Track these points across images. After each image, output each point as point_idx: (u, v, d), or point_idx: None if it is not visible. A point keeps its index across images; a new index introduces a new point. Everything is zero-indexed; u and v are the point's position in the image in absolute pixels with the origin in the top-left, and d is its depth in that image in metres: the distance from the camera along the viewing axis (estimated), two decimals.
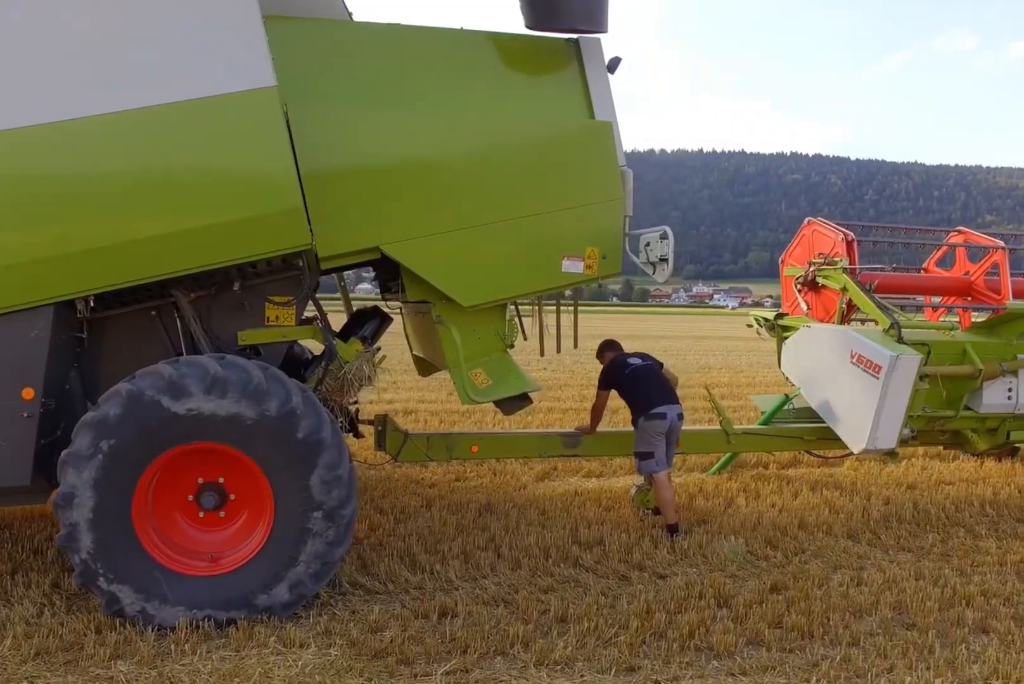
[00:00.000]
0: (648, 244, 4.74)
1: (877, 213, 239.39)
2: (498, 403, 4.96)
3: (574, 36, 4.73)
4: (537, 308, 5.33)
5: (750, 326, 7.30)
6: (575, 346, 5.54)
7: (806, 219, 6.72)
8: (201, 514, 3.86)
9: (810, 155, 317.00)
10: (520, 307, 5.38)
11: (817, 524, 5.44)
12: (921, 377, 5.45)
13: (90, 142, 3.60)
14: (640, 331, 33.11)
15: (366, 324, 5.14)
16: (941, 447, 7.11)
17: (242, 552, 3.79)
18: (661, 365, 5.59)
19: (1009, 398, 5.87)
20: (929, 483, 6.68)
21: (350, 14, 4.80)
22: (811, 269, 6.39)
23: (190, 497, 3.84)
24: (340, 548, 3.82)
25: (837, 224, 6.43)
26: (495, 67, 4.66)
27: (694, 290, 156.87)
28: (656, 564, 4.67)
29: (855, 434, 5.55)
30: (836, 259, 6.14)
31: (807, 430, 6.09)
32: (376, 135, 4.27)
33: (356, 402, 5.73)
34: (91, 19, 3.58)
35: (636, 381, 5.35)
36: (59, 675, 3.21)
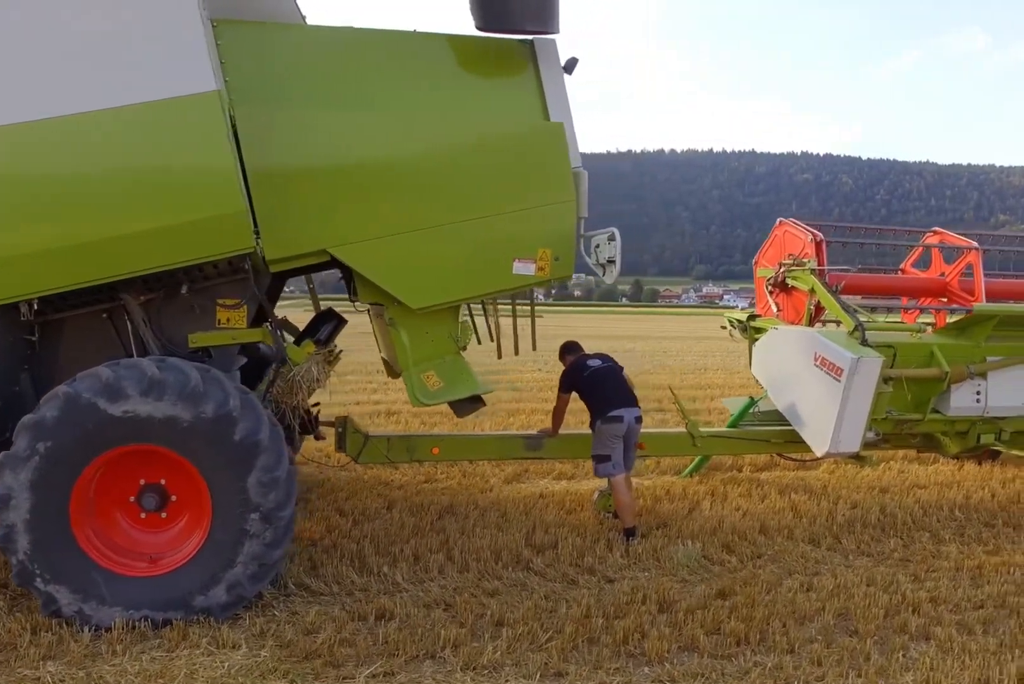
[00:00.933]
0: (598, 246, 4.73)
1: (889, 213, 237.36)
2: (451, 405, 4.97)
3: (529, 37, 4.72)
4: (493, 309, 5.34)
5: (724, 327, 7.27)
6: (533, 348, 5.56)
7: (778, 219, 6.68)
8: (143, 515, 3.89)
9: (821, 155, 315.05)
10: (477, 309, 5.42)
11: (779, 528, 5.41)
12: (885, 380, 5.40)
13: (30, 147, 3.65)
14: (643, 332, 33.02)
15: (322, 326, 5.16)
16: (916, 451, 7.02)
17: (181, 553, 3.82)
18: (621, 368, 5.57)
19: (977, 401, 5.80)
20: (902, 487, 6.62)
21: (304, 18, 4.82)
22: (781, 270, 6.34)
23: (132, 498, 3.87)
24: (278, 550, 3.84)
25: (808, 224, 6.38)
26: (446, 69, 4.66)
27: (704, 290, 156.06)
28: (607, 568, 4.66)
29: (818, 437, 5.50)
30: (804, 260, 6.10)
31: (774, 433, 6.05)
32: (322, 137, 4.28)
33: (317, 404, 5.75)
34: (31, 26, 3.61)
35: (595, 383, 5.34)
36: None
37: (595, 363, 5.47)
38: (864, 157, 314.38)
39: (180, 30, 3.75)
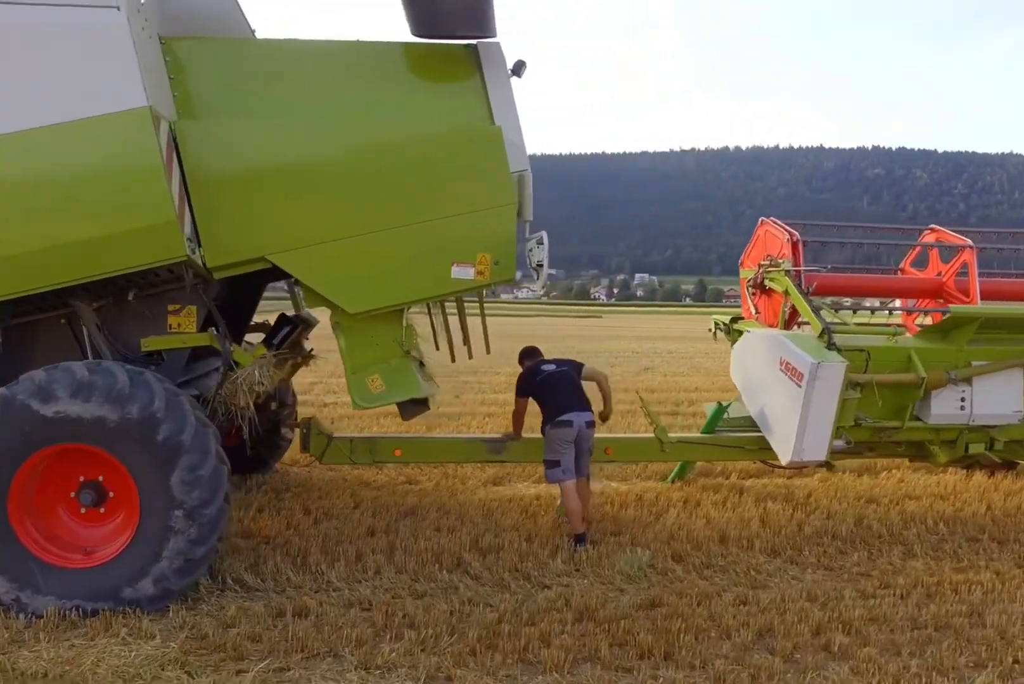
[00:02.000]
0: (530, 250, 4.72)
1: (968, 207, 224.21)
2: (398, 407, 5.06)
3: (473, 42, 4.75)
4: (441, 313, 5.40)
5: (710, 329, 7.10)
6: (487, 352, 5.60)
7: (760, 219, 6.48)
8: (83, 510, 4.12)
9: (893, 149, 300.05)
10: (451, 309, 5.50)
11: (740, 538, 5.27)
12: (852, 385, 5.19)
13: None
14: (697, 333, 32.35)
15: (280, 331, 5.32)
16: (907, 460, 6.69)
17: (113, 547, 4.03)
18: (579, 371, 5.52)
19: (962, 408, 5.50)
20: (893, 497, 6.33)
21: (253, 32, 4.99)
22: (759, 271, 6.17)
23: (72, 494, 4.11)
24: (203, 546, 4.00)
25: (788, 223, 6.18)
26: (387, 75, 4.75)
27: None
28: (545, 574, 4.65)
29: (783, 445, 5.34)
30: (780, 260, 5.91)
31: (748, 439, 5.89)
32: (257, 147, 4.43)
33: (285, 405, 5.93)
34: None
35: (547, 388, 5.33)
36: None
37: (549, 368, 5.45)
38: (940, 150, 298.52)
39: (111, 53, 3.94)
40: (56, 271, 4.04)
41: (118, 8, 3.96)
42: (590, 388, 5.52)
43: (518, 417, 5.59)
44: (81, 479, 4.10)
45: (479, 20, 4.53)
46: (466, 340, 5.68)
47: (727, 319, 6.72)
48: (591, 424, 5.26)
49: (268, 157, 4.42)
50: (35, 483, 4.00)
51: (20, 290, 4.06)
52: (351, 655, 3.59)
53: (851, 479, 6.88)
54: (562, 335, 27.56)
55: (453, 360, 5.55)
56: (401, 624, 3.90)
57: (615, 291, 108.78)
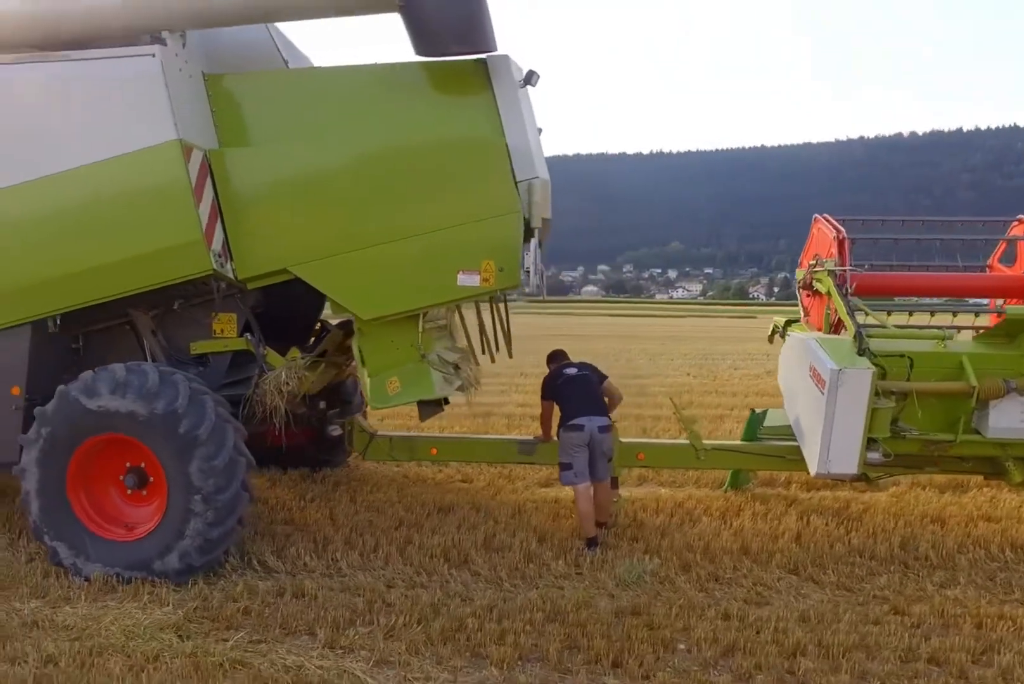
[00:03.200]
0: (524, 255, 4.81)
1: None
2: (418, 407, 5.36)
3: (482, 56, 4.93)
4: (490, 311, 5.63)
5: (769, 334, 6.76)
6: (509, 356, 5.74)
7: (814, 216, 6.10)
8: (129, 491, 4.77)
9: None
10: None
11: (761, 552, 5.05)
12: (885, 393, 4.81)
13: (36, 199, 4.65)
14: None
15: (320, 336, 5.78)
16: (983, 477, 5.99)
17: (148, 524, 4.62)
18: (601, 378, 5.52)
19: None
20: (966, 518, 5.73)
21: (286, 62, 5.47)
22: (808, 272, 5.82)
23: (121, 477, 4.76)
24: (219, 528, 4.49)
25: (841, 220, 5.78)
26: (401, 94, 5.02)
27: None
28: (542, 575, 4.74)
29: (811, 455, 5.03)
30: (825, 260, 5.56)
31: (787, 448, 5.58)
32: (280, 169, 4.87)
33: (347, 404, 6.36)
34: (32, 108, 4.63)
35: (564, 391, 5.38)
36: None
37: (570, 371, 5.51)
38: None
39: (147, 95, 4.53)
40: (102, 287, 4.71)
41: (153, 55, 4.56)
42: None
43: (545, 419, 5.69)
44: (127, 465, 4.74)
45: (474, 37, 4.70)
46: (508, 340, 5.87)
47: (783, 321, 6.38)
48: (605, 429, 5.26)
49: (289, 177, 4.86)
50: (89, 467, 4.68)
51: (73, 304, 4.76)
52: (323, 635, 3.90)
53: (929, 495, 6.30)
54: (697, 337, 26.72)
55: (493, 360, 5.76)
56: (378, 611, 4.17)
57: (775, 290, 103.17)
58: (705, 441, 5.80)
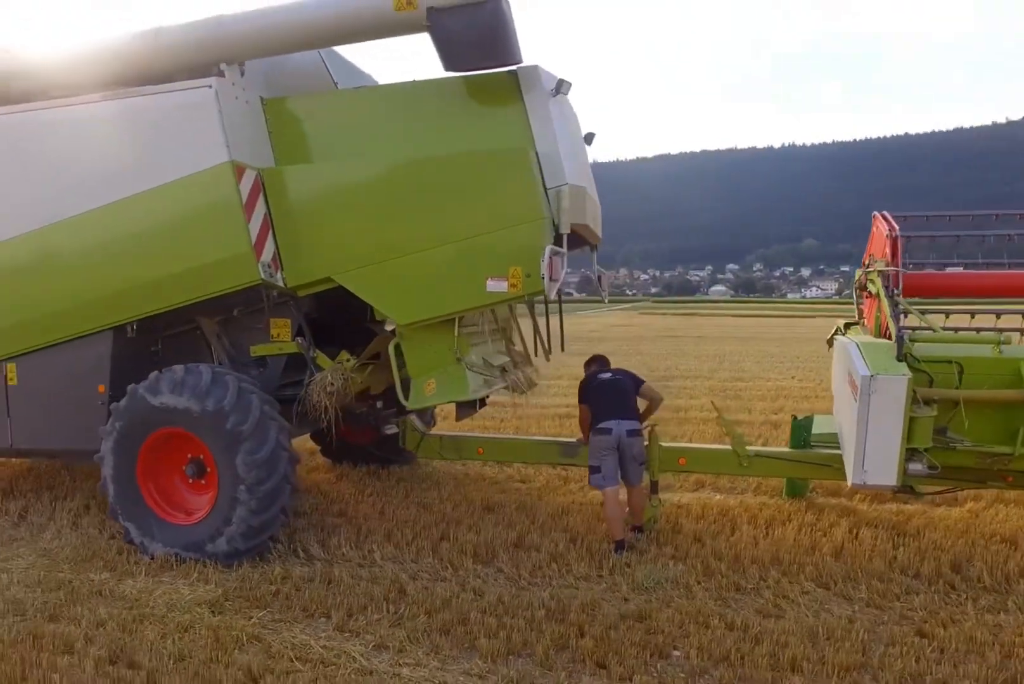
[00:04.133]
0: (552, 261, 4.88)
1: None
2: (456, 408, 5.60)
3: (513, 68, 5.10)
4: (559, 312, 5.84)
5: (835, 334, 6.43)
6: (561, 349, 5.87)
7: (873, 213, 5.78)
8: (190, 480, 5.29)
9: None
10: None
11: (792, 563, 4.86)
12: (927, 401, 4.51)
13: (113, 218, 5.27)
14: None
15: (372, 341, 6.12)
16: None
17: (204, 510, 5.11)
18: (637, 384, 5.50)
19: None
20: None
21: (335, 83, 5.85)
22: (863, 272, 5.54)
23: (184, 467, 5.29)
24: (261, 516, 4.90)
25: (897, 216, 5.45)
26: (437, 109, 5.27)
27: None
28: (562, 575, 4.81)
29: (849, 465, 4.79)
30: (878, 260, 5.27)
31: (833, 457, 5.33)
32: (323, 185, 5.24)
33: (386, 405, 6.71)
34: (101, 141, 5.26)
35: (596, 394, 5.43)
36: (62, 572, 4.86)
37: (605, 376, 5.54)
38: None
39: (203, 122, 5.03)
40: (166, 297, 5.25)
41: (210, 86, 5.06)
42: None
43: (584, 423, 5.75)
44: (189, 456, 5.26)
45: (498, 51, 4.85)
46: (560, 341, 6.03)
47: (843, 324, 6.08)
48: (634, 433, 5.25)
49: (330, 192, 5.21)
50: (156, 457, 5.24)
51: (145, 312, 5.33)
52: (336, 618, 4.19)
53: (1010, 513, 5.79)
54: (818, 338, 25.33)
55: (548, 359, 5.95)
56: (393, 600, 4.41)
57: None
58: (749, 447, 5.64)
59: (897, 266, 5.16)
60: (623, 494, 5.61)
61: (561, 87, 5.17)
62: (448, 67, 5.00)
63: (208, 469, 5.21)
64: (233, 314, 5.62)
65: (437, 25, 4.81)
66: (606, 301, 7.33)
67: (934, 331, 4.96)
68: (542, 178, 5.01)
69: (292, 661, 3.74)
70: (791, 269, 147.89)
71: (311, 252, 5.26)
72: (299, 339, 5.62)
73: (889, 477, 4.60)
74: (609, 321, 44.31)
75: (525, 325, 6.70)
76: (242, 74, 5.34)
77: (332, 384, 5.49)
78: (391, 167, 5.19)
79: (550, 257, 4.73)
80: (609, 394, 5.39)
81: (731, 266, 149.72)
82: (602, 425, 5.24)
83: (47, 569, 4.93)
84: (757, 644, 3.83)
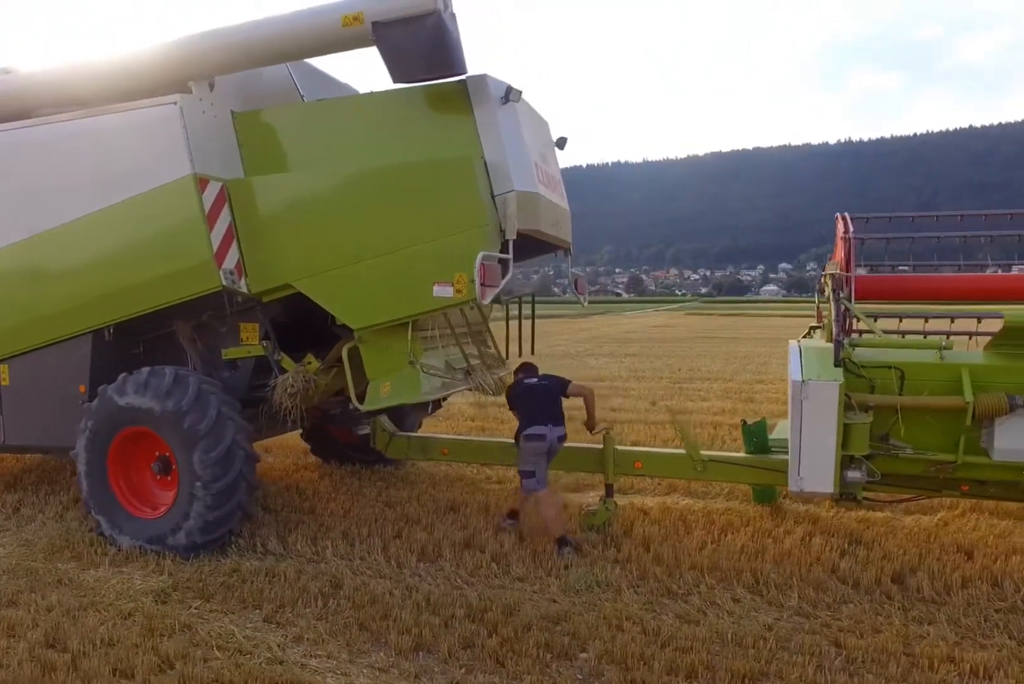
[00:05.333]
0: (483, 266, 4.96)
1: None
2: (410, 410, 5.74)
3: (462, 77, 5.22)
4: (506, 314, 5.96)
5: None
6: (532, 352, 5.96)
7: (836, 214, 5.67)
8: (158, 477, 5.57)
9: None
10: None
11: (729, 570, 4.83)
12: (863, 408, 4.44)
13: (84, 230, 5.59)
14: None
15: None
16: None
17: (167, 505, 5.38)
18: (564, 387, 5.55)
19: None
20: (1001, 550, 5.04)
21: (302, 96, 6.06)
22: (821, 275, 5.46)
23: (151, 464, 5.58)
24: (216, 512, 5.14)
25: (858, 218, 5.36)
26: (389, 119, 5.42)
27: None
28: (499, 576, 4.88)
29: (790, 472, 4.74)
30: (831, 262, 5.20)
31: (785, 462, 5.25)
32: (282, 194, 5.44)
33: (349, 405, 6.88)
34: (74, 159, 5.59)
35: (524, 400, 5.52)
36: (35, 561, 5.17)
37: (531, 381, 5.62)
38: None
39: (168, 137, 5.30)
40: (136, 303, 5.54)
41: (175, 103, 5.33)
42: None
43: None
44: (156, 454, 5.54)
45: (442, 62, 4.97)
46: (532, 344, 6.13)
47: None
48: (562, 439, 5.34)
49: (288, 201, 5.42)
50: (126, 454, 5.54)
51: (118, 317, 5.64)
52: (266, 610, 4.38)
53: (980, 522, 5.61)
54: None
55: (519, 354, 6.13)
56: (327, 595, 4.56)
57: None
58: (704, 452, 5.61)
59: (849, 268, 5.08)
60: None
61: (510, 95, 5.25)
62: (396, 79, 5.14)
63: (174, 466, 5.48)
64: (203, 319, 5.88)
65: (382, 39, 4.97)
66: (584, 305, 7.36)
67: (876, 335, 4.86)
68: (490, 185, 5.12)
69: (212, 649, 3.94)
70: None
71: (272, 259, 5.47)
72: (264, 342, 5.85)
73: (825, 484, 4.56)
74: (652, 322, 43.93)
75: (515, 327, 6.77)
76: (211, 89, 5.59)
77: (293, 386, 5.69)
78: (345, 177, 5.36)
79: (481, 263, 4.82)
80: (537, 399, 5.47)
81: (784, 265, 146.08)
82: (534, 431, 5.32)
83: (22, 558, 5.27)
84: (662, 649, 3.84)
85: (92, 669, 3.68)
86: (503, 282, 5.11)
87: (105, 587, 4.74)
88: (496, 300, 6.94)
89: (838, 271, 5.06)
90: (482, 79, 5.19)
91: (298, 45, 5.27)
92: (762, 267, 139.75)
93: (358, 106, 5.60)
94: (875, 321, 4.98)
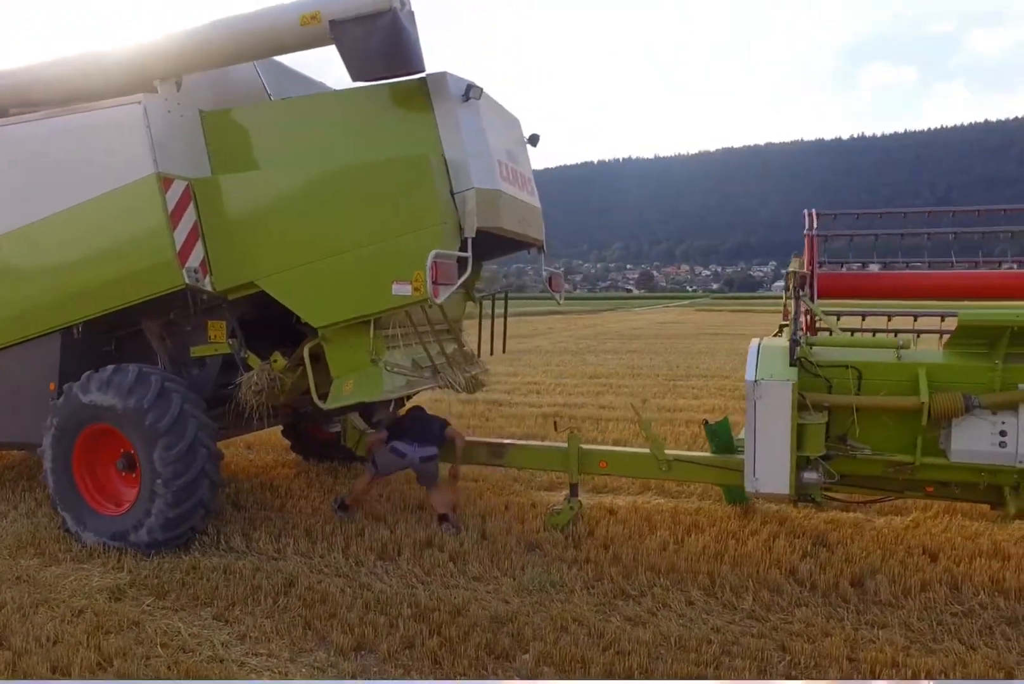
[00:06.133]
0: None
1: None
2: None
3: (422, 75, 5.19)
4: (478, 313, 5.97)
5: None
6: (503, 350, 5.96)
7: (804, 211, 5.59)
8: (122, 474, 5.60)
9: None
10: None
11: (687, 571, 4.78)
12: (818, 408, 4.37)
13: (50, 230, 5.63)
14: None
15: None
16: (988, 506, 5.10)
17: (130, 502, 5.40)
18: (443, 426, 5.99)
19: (1003, 444, 4.17)
20: (968, 552, 4.96)
21: (269, 95, 6.06)
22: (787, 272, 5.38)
23: (117, 461, 5.60)
24: (177, 509, 5.15)
25: (825, 214, 5.28)
26: (351, 117, 5.40)
27: None
28: (455, 575, 4.86)
29: (745, 472, 4.68)
30: (797, 260, 5.13)
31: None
32: (243, 193, 5.44)
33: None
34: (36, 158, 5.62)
35: (400, 425, 5.95)
36: (1, 558, 5.21)
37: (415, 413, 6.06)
38: None
39: (131, 137, 5.31)
40: (101, 301, 5.56)
41: (139, 102, 5.34)
42: None
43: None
44: (121, 451, 5.57)
45: (399, 60, 4.94)
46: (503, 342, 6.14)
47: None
48: (428, 459, 5.73)
49: (249, 200, 5.42)
50: (91, 451, 5.56)
51: (85, 315, 5.66)
52: (216, 608, 4.38)
53: (951, 524, 5.53)
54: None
55: (491, 353, 6.17)
56: (278, 593, 4.56)
57: None
58: (668, 452, 5.56)
59: (811, 265, 5.01)
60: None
61: (471, 92, 5.22)
62: (354, 77, 5.12)
63: (139, 463, 5.50)
64: (170, 317, 5.90)
65: (340, 37, 4.95)
66: (560, 302, 7.31)
67: (831, 334, 4.79)
68: (449, 183, 5.09)
69: (156, 646, 3.94)
70: (859, 265, 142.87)
71: (237, 258, 5.47)
72: (231, 340, 5.85)
73: (781, 485, 4.51)
74: (661, 318, 43.74)
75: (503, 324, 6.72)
76: (178, 89, 5.60)
77: (258, 384, 5.69)
78: (307, 175, 5.35)
79: (434, 261, 4.79)
80: (413, 425, 5.77)
81: None
82: (398, 446, 5.66)
83: None
84: (603, 652, 3.81)
85: (31, 667, 3.69)
86: (460, 280, 5.08)
87: (62, 584, 4.76)
88: (469, 298, 6.94)
89: (800, 268, 4.99)
90: (442, 77, 5.16)
91: (258, 44, 5.25)
92: (774, 263, 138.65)
93: (321, 105, 5.59)
94: (838, 319, 4.90)
